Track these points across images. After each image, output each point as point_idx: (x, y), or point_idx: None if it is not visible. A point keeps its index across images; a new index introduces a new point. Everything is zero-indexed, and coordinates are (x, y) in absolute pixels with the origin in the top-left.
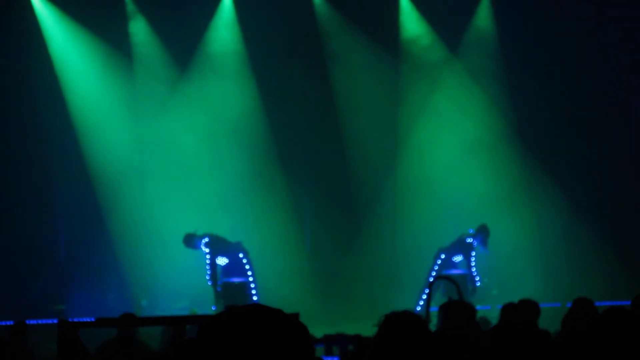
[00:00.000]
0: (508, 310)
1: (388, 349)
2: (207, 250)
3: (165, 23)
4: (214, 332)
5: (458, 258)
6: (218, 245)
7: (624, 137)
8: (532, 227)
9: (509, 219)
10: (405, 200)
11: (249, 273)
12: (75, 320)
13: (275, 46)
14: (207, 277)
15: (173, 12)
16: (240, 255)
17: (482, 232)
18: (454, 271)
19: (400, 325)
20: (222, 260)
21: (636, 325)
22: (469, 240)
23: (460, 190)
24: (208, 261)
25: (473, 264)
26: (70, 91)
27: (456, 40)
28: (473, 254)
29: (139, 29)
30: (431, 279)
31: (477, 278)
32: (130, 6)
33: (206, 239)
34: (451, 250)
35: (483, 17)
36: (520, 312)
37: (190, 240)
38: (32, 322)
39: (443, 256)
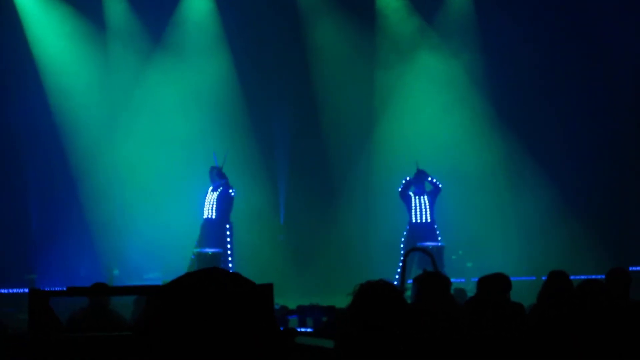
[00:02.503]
0: (484, 283)
1: (362, 318)
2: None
3: None
4: (172, 296)
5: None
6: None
7: (605, 114)
8: (509, 201)
9: (487, 191)
10: (380, 172)
11: (228, 245)
12: (47, 289)
13: (249, 15)
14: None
15: None
16: (227, 225)
17: (418, 177)
18: (429, 243)
19: (375, 294)
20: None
21: (610, 297)
22: (410, 193)
23: (436, 159)
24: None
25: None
26: (42, 61)
27: (432, 10)
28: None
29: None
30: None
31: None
32: None
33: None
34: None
35: None
36: (493, 285)
37: (217, 175)
38: (3, 291)
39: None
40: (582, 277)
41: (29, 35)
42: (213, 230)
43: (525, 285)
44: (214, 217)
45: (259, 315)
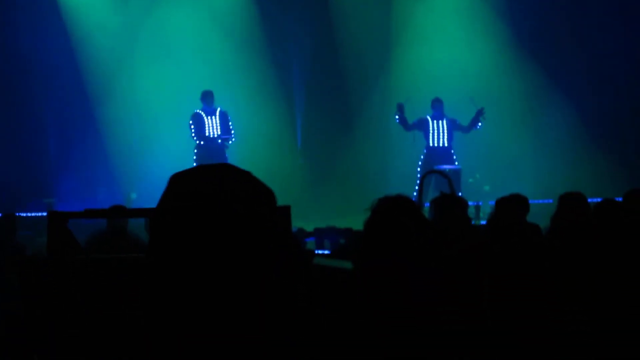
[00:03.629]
0: (501, 203)
1: (381, 230)
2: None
3: None
4: (180, 184)
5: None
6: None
7: (628, 45)
8: (528, 125)
9: (505, 115)
10: (397, 96)
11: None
12: (65, 211)
13: None
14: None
15: None
16: (228, 142)
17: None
18: (446, 166)
19: (394, 207)
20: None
21: (627, 217)
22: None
23: (457, 86)
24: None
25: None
26: None
27: None
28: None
29: None
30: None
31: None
32: None
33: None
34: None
35: None
36: (511, 206)
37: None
38: (22, 214)
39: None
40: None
41: None
42: (217, 148)
43: (542, 208)
44: (218, 134)
45: (278, 233)
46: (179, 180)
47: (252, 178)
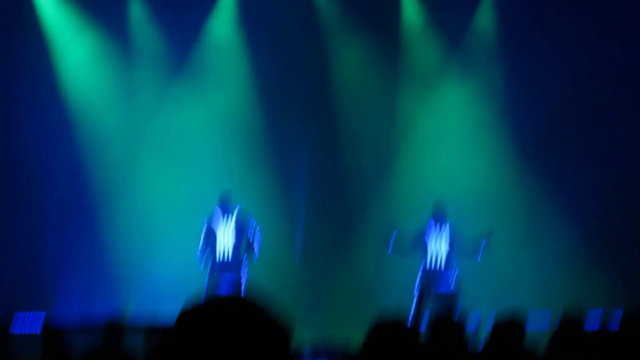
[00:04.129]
0: (497, 330)
1: (376, 355)
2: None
3: (165, 9)
4: (192, 319)
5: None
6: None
7: (624, 139)
8: (525, 231)
9: (504, 228)
10: (399, 206)
11: (245, 270)
12: (60, 329)
13: (273, 40)
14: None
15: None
16: (244, 254)
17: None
18: (443, 289)
19: (390, 333)
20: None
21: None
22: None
23: (457, 195)
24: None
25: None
26: (65, 78)
27: (456, 37)
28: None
29: (137, 14)
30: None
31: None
32: None
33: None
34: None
35: (484, 16)
36: (507, 334)
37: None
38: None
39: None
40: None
41: (52, 52)
42: (230, 257)
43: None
44: (232, 243)
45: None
46: (187, 321)
47: (268, 318)
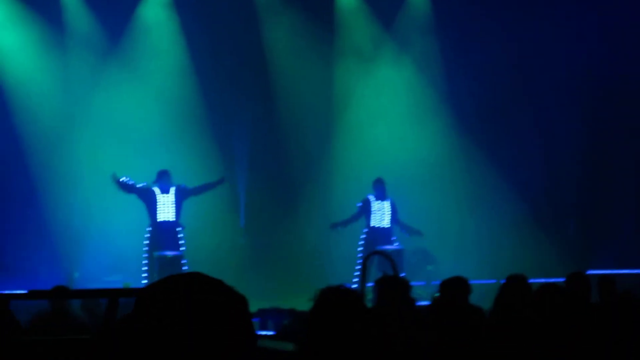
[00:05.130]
0: (445, 286)
1: (323, 324)
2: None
3: None
4: (153, 300)
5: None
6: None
7: (558, 116)
8: (468, 205)
9: (445, 196)
10: (339, 176)
11: (183, 248)
12: (7, 292)
13: (207, 18)
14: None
15: None
16: (179, 228)
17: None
18: (389, 247)
19: (336, 299)
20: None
21: (569, 301)
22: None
23: (396, 165)
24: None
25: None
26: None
27: (392, 13)
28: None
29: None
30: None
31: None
32: None
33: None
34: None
35: None
36: (454, 288)
37: (167, 177)
38: None
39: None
40: (541, 280)
41: None
42: (170, 233)
43: (484, 289)
44: (171, 219)
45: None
46: (147, 298)
47: (223, 288)
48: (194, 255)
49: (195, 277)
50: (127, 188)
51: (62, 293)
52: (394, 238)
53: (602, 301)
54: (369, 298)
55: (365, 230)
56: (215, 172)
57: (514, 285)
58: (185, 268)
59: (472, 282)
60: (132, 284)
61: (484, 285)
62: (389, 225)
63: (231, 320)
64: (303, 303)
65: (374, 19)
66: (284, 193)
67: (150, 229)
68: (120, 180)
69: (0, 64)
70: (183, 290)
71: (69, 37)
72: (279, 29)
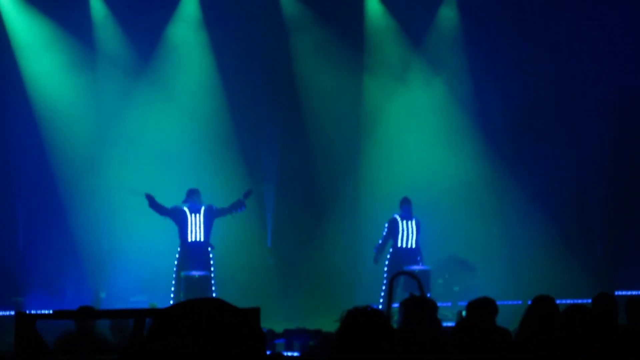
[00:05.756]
0: (472, 307)
1: (349, 345)
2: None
3: (127, 11)
4: (167, 324)
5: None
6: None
7: (587, 138)
8: (494, 225)
9: (472, 215)
10: (367, 195)
11: (212, 268)
12: (33, 312)
13: (238, 37)
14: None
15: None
16: (209, 249)
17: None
18: (415, 267)
19: (362, 320)
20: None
21: (596, 322)
22: (397, 216)
23: (423, 185)
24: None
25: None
26: (31, 81)
27: (420, 34)
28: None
29: (100, 17)
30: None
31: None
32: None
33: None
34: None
35: (447, 12)
36: (481, 310)
37: (197, 196)
38: None
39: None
40: (568, 301)
41: (17, 54)
42: (200, 253)
43: (511, 309)
44: (201, 239)
45: (248, 345)
46: (165, 319)
47: (238, 315)
48: (221, 274)
49: (211, 302)
50: (160, 210)
51: (87, 313)
52: (419, 258)
53: (630, 322)
54: (395, 319)
55: (391, 250)
56: (242, 191)
57: (541, 307)
58: (213, 289)
59: (499, 302)
60: (158, 305)
61: (510, 306)
62: (415, 246)
63: (245, 344)
64: (329, 324)
65: (403, 36)
66: (311, 212)
67: (180, 249)
68: (156, 202)
69: (34, 85)
70: (198, 316)
71: (99, 56)
72: (308, 45)
